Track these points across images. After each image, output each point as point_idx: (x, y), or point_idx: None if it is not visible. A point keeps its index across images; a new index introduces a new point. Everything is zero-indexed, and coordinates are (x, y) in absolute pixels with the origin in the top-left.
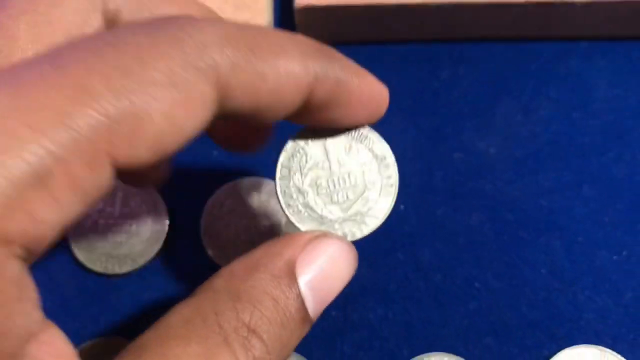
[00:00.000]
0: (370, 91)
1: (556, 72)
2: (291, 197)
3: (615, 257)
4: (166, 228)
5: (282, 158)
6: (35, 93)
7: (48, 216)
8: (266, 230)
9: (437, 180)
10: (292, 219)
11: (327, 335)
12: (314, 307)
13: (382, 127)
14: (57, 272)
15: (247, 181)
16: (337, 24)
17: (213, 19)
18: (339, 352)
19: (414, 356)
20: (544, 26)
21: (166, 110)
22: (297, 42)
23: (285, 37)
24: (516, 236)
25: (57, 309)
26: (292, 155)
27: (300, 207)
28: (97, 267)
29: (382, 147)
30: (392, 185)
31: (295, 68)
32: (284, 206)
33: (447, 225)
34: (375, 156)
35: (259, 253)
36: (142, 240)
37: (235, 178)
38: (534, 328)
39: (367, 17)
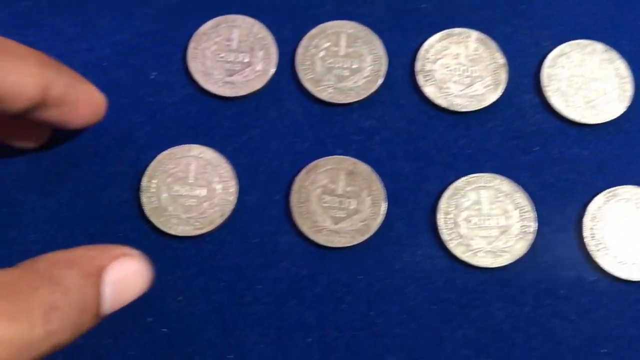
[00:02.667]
0: (92, 96)
1: None
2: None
3: None
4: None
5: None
6: None
7: None
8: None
9: None
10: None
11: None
12: (109, 307)
13: None
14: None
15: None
16: None
17: None
18: (539, 184)
19: (606, 187)
20: None
21: None
22: (34, 53)
23: (25, 48)
24: None
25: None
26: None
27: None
28: None
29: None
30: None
31: (33, 69)
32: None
33: None
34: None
35: (80, 252)
36: None
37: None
38: None
39: None
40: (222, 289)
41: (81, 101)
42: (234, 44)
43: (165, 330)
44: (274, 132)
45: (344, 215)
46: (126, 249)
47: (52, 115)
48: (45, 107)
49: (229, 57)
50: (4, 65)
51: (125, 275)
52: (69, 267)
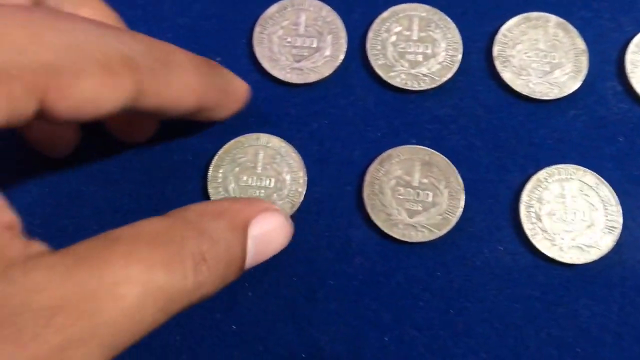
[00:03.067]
0: (240, 92)
1: None
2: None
3: None
4: None
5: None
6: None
7: None
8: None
9: None
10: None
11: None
12: (251, 261)
13: None
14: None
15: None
16: None
17: (136, 34)
18: (624, 177)
19: None
20: None
21: (96, 83)
22: (194, 60)
23: (186, 55)
24: None
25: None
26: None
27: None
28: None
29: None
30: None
31: (193, 80)
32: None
33: None
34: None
35: (227, 204)
36: None
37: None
38: None
39: None
40: (293, 283)
41: (231, 100)
42: (301, 29)
43: (234, 327)
44: (344, 121)
45: (420, 209)
46: (269, 204)
47: (200, 116)
48: (197, 112)
49: (297, 42)
50: (166, 79)
51: (268, 230)
52: (217, 219)
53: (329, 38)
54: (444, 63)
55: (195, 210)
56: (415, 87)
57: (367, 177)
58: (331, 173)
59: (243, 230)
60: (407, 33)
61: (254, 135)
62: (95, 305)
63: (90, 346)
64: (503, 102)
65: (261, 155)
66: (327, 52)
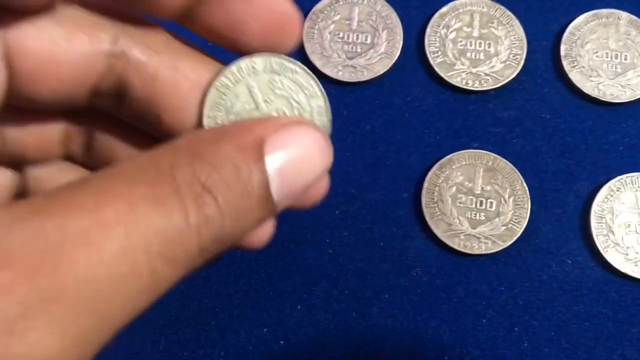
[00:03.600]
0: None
1: None
2: None
3: None
4: None
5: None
6: None
7: None
8: None
9: None
10: None
11: None
12: (280, 192)
13: None
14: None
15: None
16: None
17: None
18: None
19: None
20: None
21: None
22: None
23: None
24: None
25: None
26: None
27: None
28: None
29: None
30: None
31: None
32: None
33: None
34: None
35: (229, 126)
36: None
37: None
38: None
39: None
40: (345, 298)
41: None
42: (355, 24)
43: (282, 342)
44: (400, 122)
45: (483, 218)
46: (290, 117)
47: (221, 18)
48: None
49: (349, 38)
50: None
51: (294, 148)
52: (217, 141)
53: (384, 34)
54: (507, 62)
55: (188, 136)
56: (476, 87)
57: (426, 184)
58: (385, 178)
59: (255, 150)
60: (468, 29)
61: None
62: (59, 259)
63: (59, 312)
64: (571, 105)
65: None
66: (382, 49)
